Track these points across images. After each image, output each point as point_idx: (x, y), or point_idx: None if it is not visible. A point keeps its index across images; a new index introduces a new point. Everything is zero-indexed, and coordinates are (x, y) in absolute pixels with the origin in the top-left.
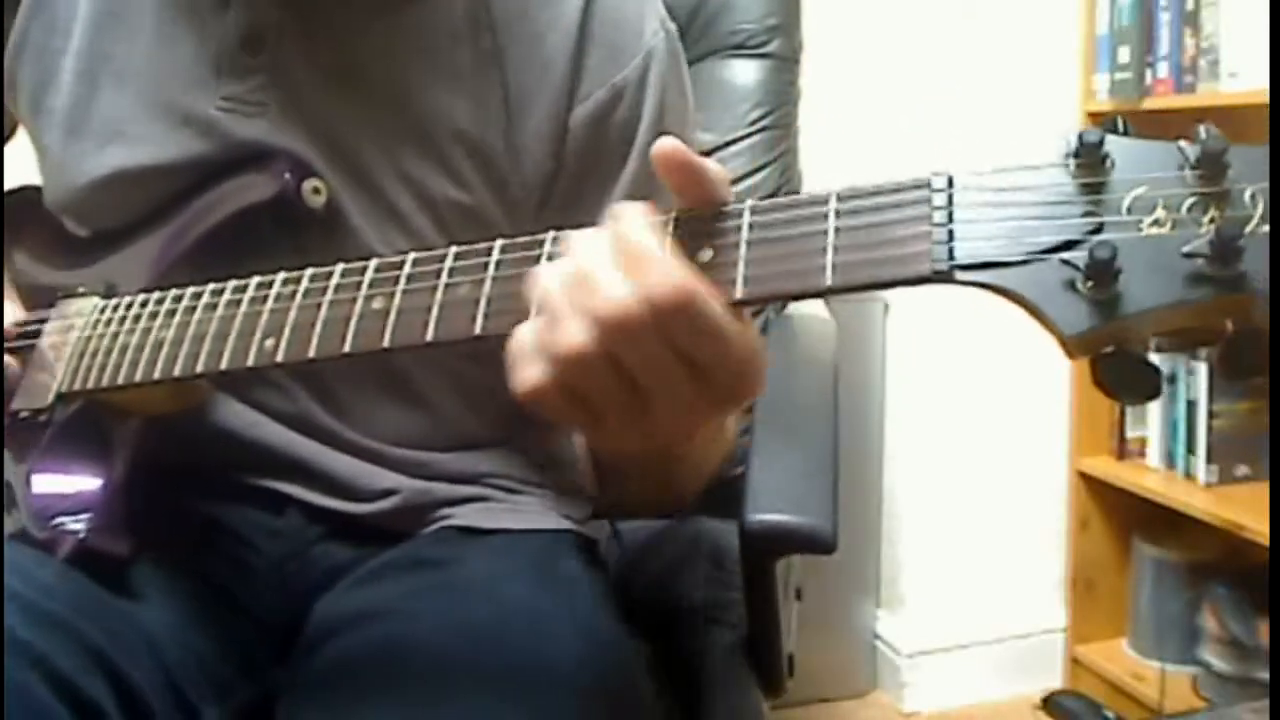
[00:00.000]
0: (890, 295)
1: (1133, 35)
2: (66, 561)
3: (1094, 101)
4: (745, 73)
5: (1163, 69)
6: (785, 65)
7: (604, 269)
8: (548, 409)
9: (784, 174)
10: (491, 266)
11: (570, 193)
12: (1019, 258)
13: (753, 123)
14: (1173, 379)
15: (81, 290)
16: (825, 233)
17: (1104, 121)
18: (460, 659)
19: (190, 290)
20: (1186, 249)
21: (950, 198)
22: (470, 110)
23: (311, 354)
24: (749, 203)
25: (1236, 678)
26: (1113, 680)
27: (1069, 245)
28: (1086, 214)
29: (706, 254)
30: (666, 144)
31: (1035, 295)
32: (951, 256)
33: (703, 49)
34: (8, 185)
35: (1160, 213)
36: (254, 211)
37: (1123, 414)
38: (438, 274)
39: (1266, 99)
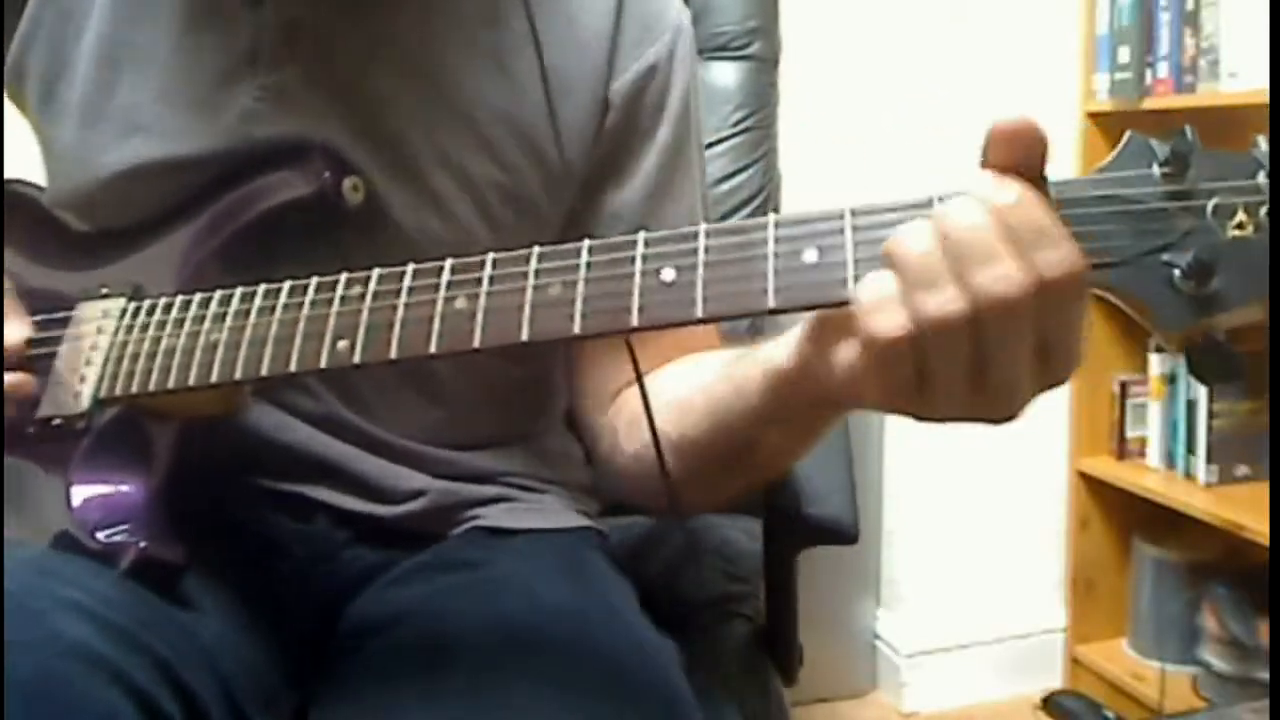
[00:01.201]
0: None
1: (1133, 35)
2: (125, 572)
3: (1094, 101)
4: (726, 75)
5: (1163, 69)
6: (765, 67)
7: (991, 242)
8: (884, 363)
9: (765, 175)
10: (583, 268)
11: (605, 167)
12: (1120, 259)
13: (735, 124)
14: (1173, 379)
15: (105, 291)
16: None
17: (1177, 131)
18: (500, 659)
19: (239, 292)
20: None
21: (1057, 203)
22: (510, 92)
23: (393, 354)
24: (848, 206)
25: (1236, 678)
26: (1113, 680)
27: (1165, 248)
28: (1175, 218)
29: (812, 255)
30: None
31: (1141, 293)
32: None
33: None
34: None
35: (1241, 216)
36: (290, 208)
37: (1123, 414)
38: (524, 275)
39: (1266, 99)
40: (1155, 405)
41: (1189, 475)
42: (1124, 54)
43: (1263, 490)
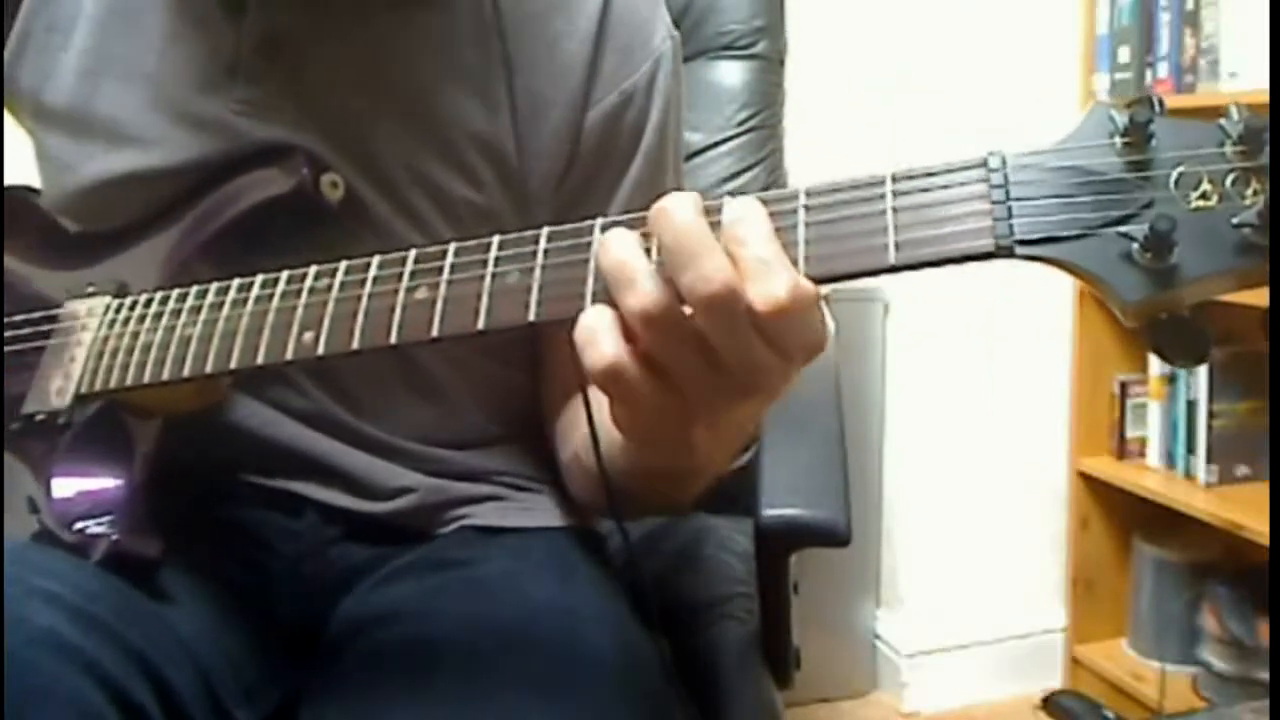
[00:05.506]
0: (890, 295)
1: (1133, 35)
2: (100, 564)
3: (1094, 101)
4: (732, 74)
5: (1163, 69)
6: (771, 66)
7: (694, 243)
8: (623, 386)
9: (771, 174)
10: (540, 255)
11: (577, 192)
12: (1077, 232)
13: (740, 123)
14: (1173, 379)
15: (91, 290)
16: (884, 212)
17: (1143, 99)
18: (488, 658)
19: (215, 286)
20: (1236, 220)
21: (1006, 176)
22: (482, 112)
23: (355, 345)
24: (804, 186)
25: (1236, 678)
26: (1113, 680)
27: (1124, 219)
28: (1136, 189)
29: None
30: None
31: (1096, 267)
32: (1011, 232)
33: (690, 50)
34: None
35: (1206, 186)
36: (271, 206)
37: (1123, 414)
38: (483, 263)
39: (1266, 99)
40: (1155, 405)
41: (1189, 475)
42: (1124, 54)
43: (1263, 490)
